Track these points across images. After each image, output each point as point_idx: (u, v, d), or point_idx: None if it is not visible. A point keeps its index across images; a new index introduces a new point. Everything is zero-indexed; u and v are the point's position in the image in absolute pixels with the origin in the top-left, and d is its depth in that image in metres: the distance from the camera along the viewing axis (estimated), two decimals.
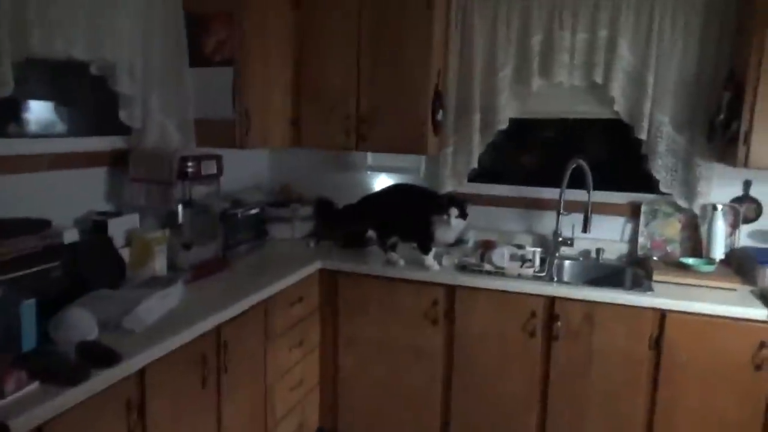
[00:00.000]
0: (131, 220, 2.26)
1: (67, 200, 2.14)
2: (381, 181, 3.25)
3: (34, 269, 1.73)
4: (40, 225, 1.82)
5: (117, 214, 2.25)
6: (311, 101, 2.96)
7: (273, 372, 2.37)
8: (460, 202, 2.54)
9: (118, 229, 2.18)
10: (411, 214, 2.62)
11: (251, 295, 2.16)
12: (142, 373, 1.65)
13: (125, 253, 2.15)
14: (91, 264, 1.94)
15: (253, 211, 2.84)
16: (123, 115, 2.29)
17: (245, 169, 3.21)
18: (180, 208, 2.33)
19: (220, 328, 1.99)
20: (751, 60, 2.30)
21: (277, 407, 2.42)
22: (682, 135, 2.69)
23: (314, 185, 3.30)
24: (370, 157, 3.23)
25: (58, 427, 1.38)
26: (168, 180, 2.25)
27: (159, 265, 2.23)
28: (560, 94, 2.89)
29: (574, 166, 2.72)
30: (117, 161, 2.34)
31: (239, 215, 2.69)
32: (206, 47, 2.58)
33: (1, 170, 1.90)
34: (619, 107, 2.75)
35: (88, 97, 2.28)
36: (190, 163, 2.27)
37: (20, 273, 1.66)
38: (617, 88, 2.72)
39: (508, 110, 2.91)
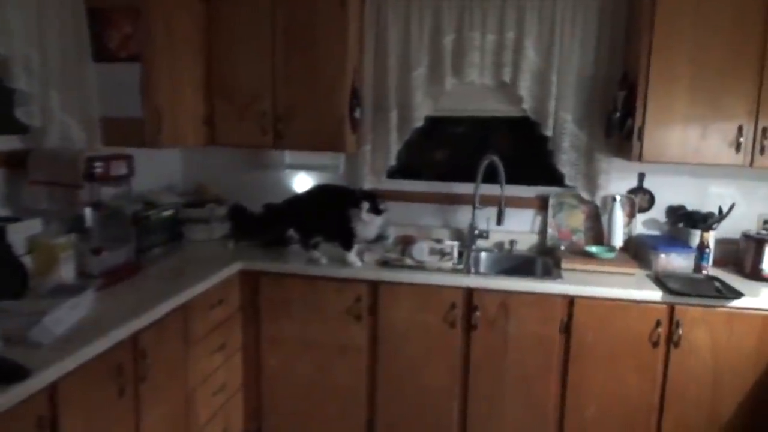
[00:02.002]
0: (33, 226, 2.11)
1: None
2: (300, 179, 3.23)
3: None
4: None
5: (16, 219, 2.09)
6: (224, 99, 2.89)
7: (194, 377, 2.30)
8: (372, 197, 2.58)
9: (17, 235, 2.02)
10: (332, 213, 2.63)
11: (168, 300, 2.08)
12: (53, 387, 1.55)
13: (27, 261, 2.01)
14: None
15: (167, 213, 2.73)
16: (20, 113, 2.13)
17: (157, 170, 3.08)
18: (88, 211, 2.20)
19: (137, 335, 1.91)
20: (641, 62, 2.50)
21: (200, 413, 2.35)
22: (583, 131, 2.88)
23: (231, 185, 3.23)
24: (288, 156, 3.20)
25: None
26: (73, 182, 2.11)
27: (66, 272, 2.10)
28: (472, 93, 3.00)
29: (487, 162, 2.83)
30: (14, 163, 2.18)
31: (152, 217, 2.58)
32: (111, 42, 2.45)
33: None
34: (527, 105, 2.90)
35: None
36: (97, 164, 2.15)
37: None
38: (524, 87, 2.87)
39: (423, 108, 2.99)
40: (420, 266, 2.63)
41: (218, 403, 2.52)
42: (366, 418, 2.71)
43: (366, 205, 2.54)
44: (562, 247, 2.87)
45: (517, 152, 3.12)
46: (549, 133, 2.89)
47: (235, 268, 2.61)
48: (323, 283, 2.62)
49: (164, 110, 2.51)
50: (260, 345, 2.73)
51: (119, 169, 2.26)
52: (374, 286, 2.59)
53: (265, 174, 3.26)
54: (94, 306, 1.93)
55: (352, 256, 2.63)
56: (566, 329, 2.46)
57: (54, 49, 2.23)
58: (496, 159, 2.80)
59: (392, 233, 3.05)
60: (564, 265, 2.64)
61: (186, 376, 2.25)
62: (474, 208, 2.93)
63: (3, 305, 1.78)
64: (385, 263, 2.67)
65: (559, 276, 2.54)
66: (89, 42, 2.38)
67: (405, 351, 2.61)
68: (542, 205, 3.02)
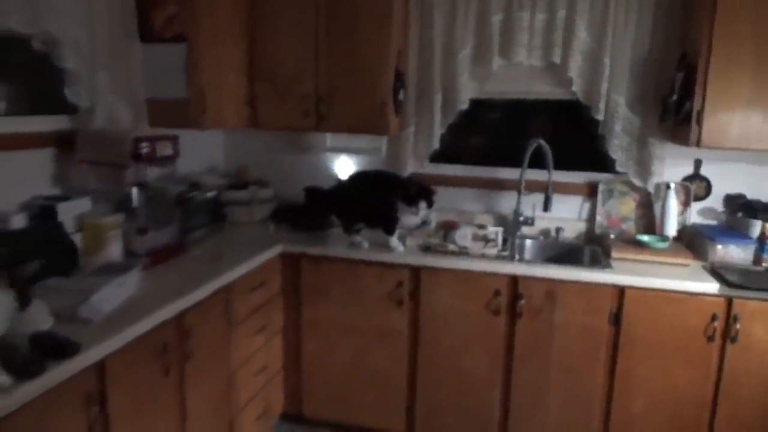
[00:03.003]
0: (82, 205, 2.14)
1: (9, 184, 2.00)
2: (341, 162, 3.20)
3: None
4: None
5: (65, 198, 2.12)
6: (266, 81, 2.87)
7: (236, 358, 2.32)
8: (429, 194, 2.54)
9: (67, 214, 2.06)
10: (376, 198, 2.59)
11: (212, 281, 2.09)
12: (101, 364, 1.57)
13: (77, 240, 2.04)
14: (40, 252, 1.82)
15: (211, 194, 2.74)
16: (69, 92, 2.16)
17: (200, 151, 3.10)
18: (134, 191, 2.22)
19: (182, 315, 1.92)
20: (701, 42, 2.37)
21: (241, 394, 2.37)
22: (637, 115, 2.75)
23: (272, 167, 3.23)
24: (330, 138, 3.17)
25: (13, 424, 1.29)
26: (120, 162, 2.14)
27: (113, 251, 2.13)
28: (519, 75, 2.90)
29: (534, 146, 2.74)
30: (63, 142, 2.21)
31: (196, 198, 2.59)
32: (156, 22, 2.45)
33: None
34: (577, 87, 2.79)
35: (31, 74, 2.14)
36: (143, 144, 2.17)
37: None
38: (574, 69, 2.76)
39: (468, 90, 2.91)
40: (463, 252, 2.58)
41: (259, 385, 2.53)
42: (406, 404, 2.68)
43: (424, 204, 2.51)
44: (612, 236, 2.77)
45: (564, 136, 3.01)
46: (600, 116, 2.77)
47: (276, 250, 2.61)
48: (364, 268, 2.60)
49: (208, 91, 2.51)
50: (300, 328, 2.73)
51: (165, 149, 2.28)
52: (416, 271, 2.55)
53: (306, 157, 3.25)
54: (140, 285, 1.95)
55: (394, 241, 2.59)
56: (615, 320, 2.37)
57: (102, 29, 2.24)
58: (543, 143, 2.70)
59: (434, 218, 2.99)
60: (614, 254, 2.54)
61: (228, 357, 2.26)
62: (519, 193, 2.85)
63: (53, 282, 1.81)
64: (427, 248, 2.62)
65: (608, 265, 2.45)
66: (136, 22, 2.38)
67: (446, 338, 2.57)
68: (591, 191, 2.91)
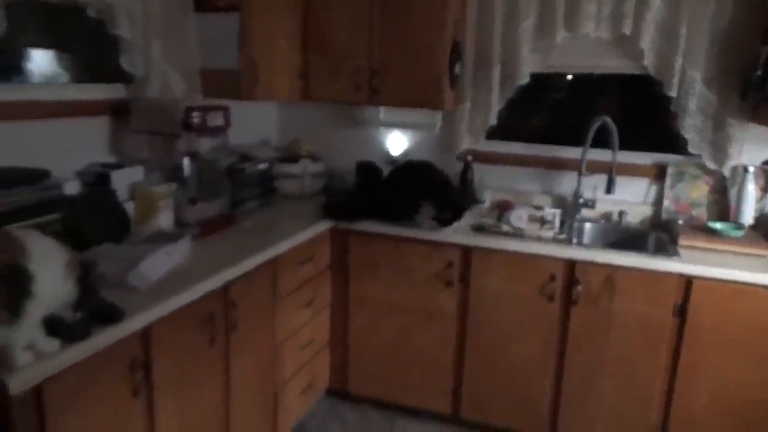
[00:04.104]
0: (135, 173, 2.17)
1: (66, 151, 2.04)
2: (394, 138, 3.12)
3: (32, 222, 1.64)
4: (38, 175, 1.72)
5: (119, 166, 2.15)
6: (319, 53, 2.81)
7: (282, 331, 2.31)
8: (459, 213, 2.51)
9: (121, 182, 2.08)
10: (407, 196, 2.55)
11: (260, 253, 2.07)
12: (146, 331, 1.57)
13: (129, 208, 2.06)
14: (93, 218, 1.85)
15: (262, 167, 2.73)
16: (124, 61, 2.17)
17: (252, 123, 3.09)
18: (185, 161, 2.22)
19: (228, 286, 1.91)
20: None
21: (286, 366, 2.37)
22: (714, 92, 2.54)
23: (324, 141, 3.19)
24: (383, 112, 3.09)
25: (58, 386, 1.31)
26: (173, 132, 2.13)
27: (164, 220, 2.15)
28: (585, 47, 2.73)
29: (599, 124, 2.58)
30: (118, 111, 2.23)
31: (246, 170, 2.58)
32: None
33: None
34: (649, 61, 2.59)
35: (87, 42, 2.16)
36: (195, 114, 2.16)
37: (17, 226, 1.57)
38: (647, 41, 2.56)
39: (529, 64, 2.75)
40: (518, 233, 2.47)
41: (305, 358, 2.53)
42: (452, 387, 2.62)
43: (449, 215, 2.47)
44: (680, 222, 2.58)
45: (631, 114, 2.83)
46: (673, 93, 2.57)
47: (325, 225, 2.57)
48: (413, 246, 2.53)
49: (260, 63, 2.47)
50: (348, 304, 2.70)
51: (216, 120, 2.26)
52: (467, 251, 2.46)
53: (359, 131, 3.18)
54: (188, 255, 1.95)
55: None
56: (681, 312, 2.22)
57: None
58: (609, 121, 2.54)
59: (488, 197, 2.89)
60: (682, 241, 2.37)
61: (274, 329, 2.25)
62: (580, 174, 2.70)
63: (104, 249, 1.83)
64: (479, 228, 2.52)
65: (675, 253, 2.29)
66: None
67: (496, 322, 2.48)
68: (659, 173, 2.72)
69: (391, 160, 3.04)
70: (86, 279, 1.32)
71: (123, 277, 1.66)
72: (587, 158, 2.67)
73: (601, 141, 2.60)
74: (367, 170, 2.84)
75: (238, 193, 2.52)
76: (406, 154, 3.08)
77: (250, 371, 2.11)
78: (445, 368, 2.61)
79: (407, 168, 2.68)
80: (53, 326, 1.35)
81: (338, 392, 2.84)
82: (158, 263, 1.75)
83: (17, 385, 1.21)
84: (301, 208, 2.75)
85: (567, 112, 2.99)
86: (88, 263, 1.35)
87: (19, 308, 1.16)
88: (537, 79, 2.82)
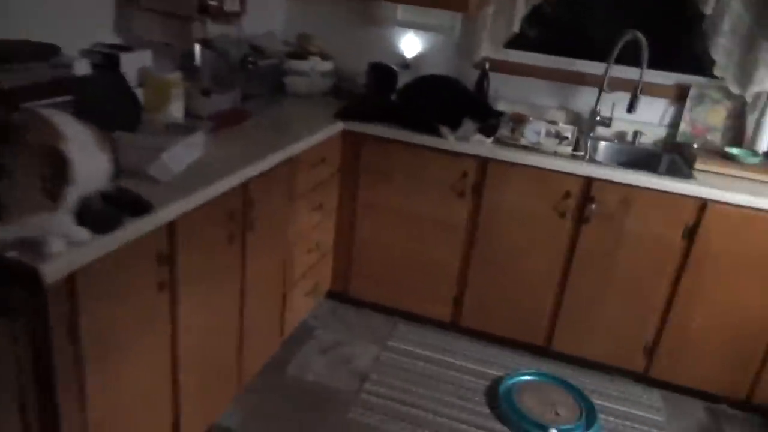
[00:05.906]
0: (143, 57, 2.01)
1: (70, 26, 1.86)
2: (409, 39, 2.96)
3: (45, 101, 1.52)
4: (49, 51, 1.58)
5: (127, 48, 1.99)
6: None
7: (294, 233, 2.28)
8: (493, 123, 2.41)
9: (130, 65, 1.94)
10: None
11: (277, 152, 1.99)
12: (172, 225, 1.52)
13: (139, 94, 1.93)
14: (104, 102, 1.73)
15: (272, 62, 2.57)
16: None
17: (256, 13, 2.88)
18: (197, 48, 2.07)
19: (248, 183, 1.84)
20: None
21: (296, 268, 2.36)
22: (750, 13, 2.44)
23: (336, 39, 3.00)
24: (401, 11, 2.91)
25: (87, 277, 1.26)
26: (187, 13, 1.97)
27: (176, 110, 2.02)
28: None
29: (627, 38, 2.48)
30: None
31: (260, 64, 2.43)
32: None
33: None
34: None
35: None
36: None
37: (28, 105, 1.45)
38: None
39: None
40: (536, 148, 2.42)
41: (312, 261, 2.52)
42: (454, 295, 2.67)
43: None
44: (695, 145, 2.57)
45: (658, 31, 2.71)
46: (707, 11, 2.47)
47: (338, 127, 2.48)
48: (429, 154, 2.47)
49: None
50: (355, 209, 2.67)
51: (233, 4, 2.09)
52: (483, 162, 2.42)
53: (373, 30, 3.00)
54: (205, 149, 1.86)
55: (468, 128, 2.41)
56: (690, 234, 2.25)
57: None
58: (640, 35, 2.43)
59: (504, 110, 2.80)
60: (698, 165, 2.37)
61: (286, 231, 2.22)
62: (600, 90, 2.63)
63: (118, 136, 1.73)
64: (497, 140, 2.47)
65: (691, 176, 2.29)
66: None
67: (506, 235, 2.49)
68: (680, 94, 2.67)
69: (405, 63, 2.91)
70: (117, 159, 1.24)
71: (141, 167, 1.58)
72: (610, 74, 2.59)
73: (623, 57, 2.51)
74: (381, 72, 2.71)
75: (249, 87, 2.39)
76: (420, 58, 2.94)
77: (263, 271, 2.09)
78: (449, 277, 2.64)
79: (435, 80, 2.56)
80: (81, 216, 1.28)
81: (339, 295, 2.87)
82: (180, 155, 1.66)
83: (52, 273, 1.16)
84: (311, 108, 2.64)
85: (591, 24, 2.86)
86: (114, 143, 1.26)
87: (59, 194, 1.08)
88: None
